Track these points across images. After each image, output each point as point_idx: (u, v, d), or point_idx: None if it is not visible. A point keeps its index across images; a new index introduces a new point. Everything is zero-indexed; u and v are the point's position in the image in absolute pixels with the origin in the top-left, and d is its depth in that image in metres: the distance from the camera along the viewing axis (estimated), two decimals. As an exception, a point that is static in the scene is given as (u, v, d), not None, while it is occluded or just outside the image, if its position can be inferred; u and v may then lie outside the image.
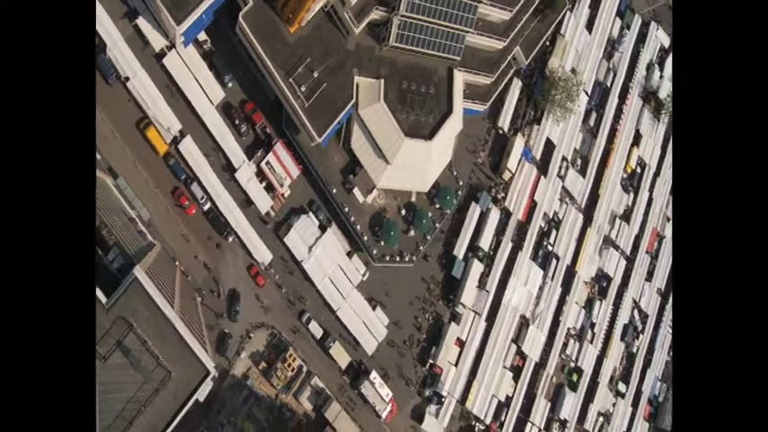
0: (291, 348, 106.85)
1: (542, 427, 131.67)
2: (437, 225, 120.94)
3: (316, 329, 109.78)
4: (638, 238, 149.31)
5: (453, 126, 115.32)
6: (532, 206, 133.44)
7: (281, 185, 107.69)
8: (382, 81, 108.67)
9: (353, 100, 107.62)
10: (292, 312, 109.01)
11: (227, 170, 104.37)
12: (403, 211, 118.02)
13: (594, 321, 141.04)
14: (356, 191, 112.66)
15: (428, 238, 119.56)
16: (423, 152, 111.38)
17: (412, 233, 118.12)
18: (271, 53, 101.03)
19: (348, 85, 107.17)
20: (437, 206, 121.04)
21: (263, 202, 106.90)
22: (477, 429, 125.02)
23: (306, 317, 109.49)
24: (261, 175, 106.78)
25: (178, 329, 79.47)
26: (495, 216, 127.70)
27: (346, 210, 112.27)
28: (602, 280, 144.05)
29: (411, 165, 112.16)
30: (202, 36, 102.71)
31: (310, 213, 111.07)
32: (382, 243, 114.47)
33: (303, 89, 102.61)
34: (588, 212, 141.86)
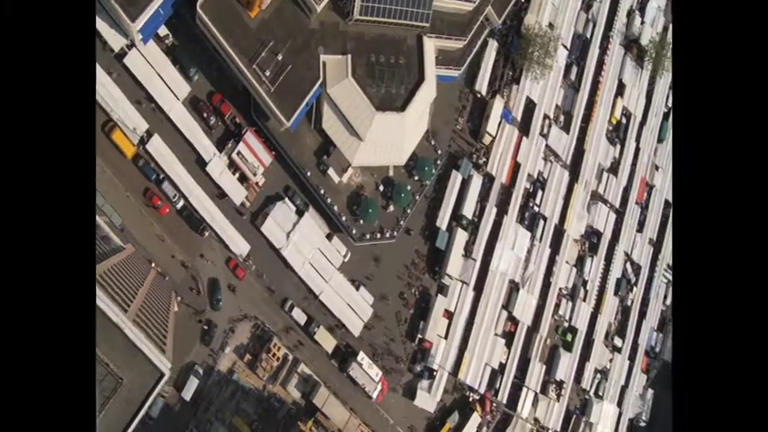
0: (276, 338, 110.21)
1: (538, 391, 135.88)
2: (417, 198, 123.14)
3: (299, 316, 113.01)
4: (626, 190, 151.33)
5: (427, 95, 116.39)
6: (516, 168, 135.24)
7: (255, 174, 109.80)
8: (349, 57, 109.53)
9: (320, 79, 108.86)
10: (274, 301, 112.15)
11: (198, 165, 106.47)
12: (381, 187, 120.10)
13: (586, 279, 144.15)
14: (331, 171, 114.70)
15: (408, 211, 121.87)
16: (396, 125, 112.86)
17: (391, 208, 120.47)
18: (232, 41, 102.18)
19: (314, 64, 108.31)
20: (416, 178, 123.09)
21: (237, 194, 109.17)
22: (471, 399, 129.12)
23: (289, 304, 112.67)
24: (233, 166, 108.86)
25: (127, 335, 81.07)
26: (477, 182, 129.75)
27: (322, 192, 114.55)
28: (592, 236, 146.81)
29: (385, 139, 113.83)
30: (164, 31, 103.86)
31: (286, 199, 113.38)
32: (361, 222, 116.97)
33: (268, 74, 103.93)
34: (574, 169, 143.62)
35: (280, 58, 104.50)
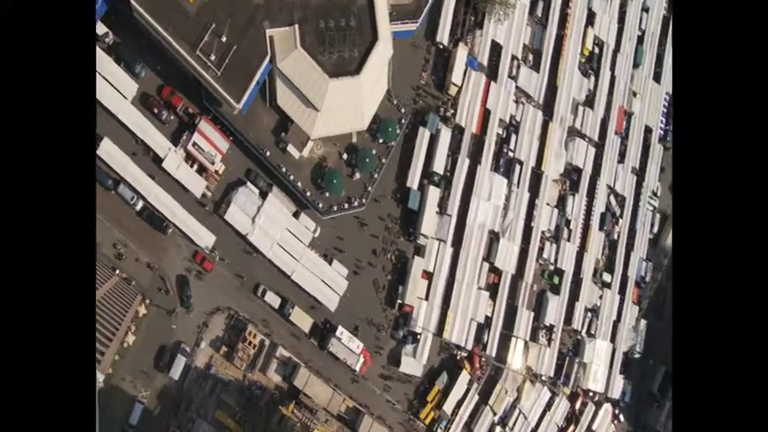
0: (251, 325, 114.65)
1: (528, 339, 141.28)
2: (384, 161, 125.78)
3: (273, 299, 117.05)
4: (604, 122, 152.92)
5: (382, 53, 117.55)
6: (486, 116, 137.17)
7: (213, 163, 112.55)
8: (297, 27, 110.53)
9: (269, 55, 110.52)
10: (246, 288, 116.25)
11: (154, 163, 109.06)
12: (345, 156, 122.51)
13: (569, 218, 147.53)
14: (291, 148, 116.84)
15: (376, 176, 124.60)
16: (353, 90, 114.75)
17: (357, 176, 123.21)
18: (172, 29, 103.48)
19: (261, 40, 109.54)
20: (380, 141, 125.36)
21: (197, 186, 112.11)
22: (459, 358, 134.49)
23: (261, 289, 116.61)
24: (190, 158, 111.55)
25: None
26: (446, 136, 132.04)
27: (284, 170, 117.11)
28: (572, 174, 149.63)
29: (343, 105, 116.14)
30: (102, 29, 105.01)
31: (248, 183, 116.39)
32: (327, 194, 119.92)
33: (213, 58, 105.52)
34: (548, 107, 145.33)
35: (224, 39, 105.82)
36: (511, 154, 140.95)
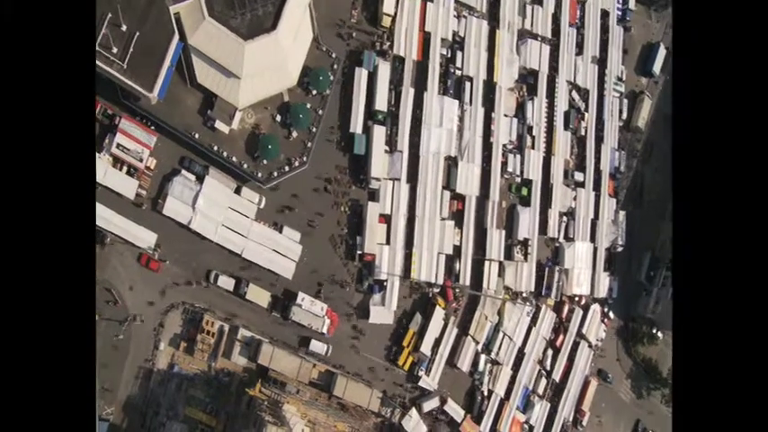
0: (206, 314, 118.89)
1: (502, 259, 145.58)
2: (320, 112, 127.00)
3: (226, 283, 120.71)
4: (556, 16, 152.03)
5: (298, 2, 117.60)
6: (426, 39, 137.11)
7: (142, 160, 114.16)
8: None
9: (177, 34, 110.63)
10: (198, 278, 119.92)
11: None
12: (278, 117, 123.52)
13: (531, 124, 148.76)
14: (219, 124, 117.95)
15: (314, 130, 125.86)
16: (272, 47, 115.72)
17: (294, 134, 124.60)
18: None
19: (165, 20, 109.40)
20: (314, 93, 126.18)
21: (129, 188, 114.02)
22: (431, 294, 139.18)
23: (213, 275, 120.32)
24: (118, 161, 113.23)
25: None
26: (385, 70, 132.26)
27: (216, 148, 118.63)
28: (527, 78, 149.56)
29: (265, 66, 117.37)
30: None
31: (183, 171, 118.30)
32: (264, 162, 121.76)
33: (115, 51, 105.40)
34: (493, 14, 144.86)
35: (124, 28, 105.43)
36: (459, 72, 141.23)
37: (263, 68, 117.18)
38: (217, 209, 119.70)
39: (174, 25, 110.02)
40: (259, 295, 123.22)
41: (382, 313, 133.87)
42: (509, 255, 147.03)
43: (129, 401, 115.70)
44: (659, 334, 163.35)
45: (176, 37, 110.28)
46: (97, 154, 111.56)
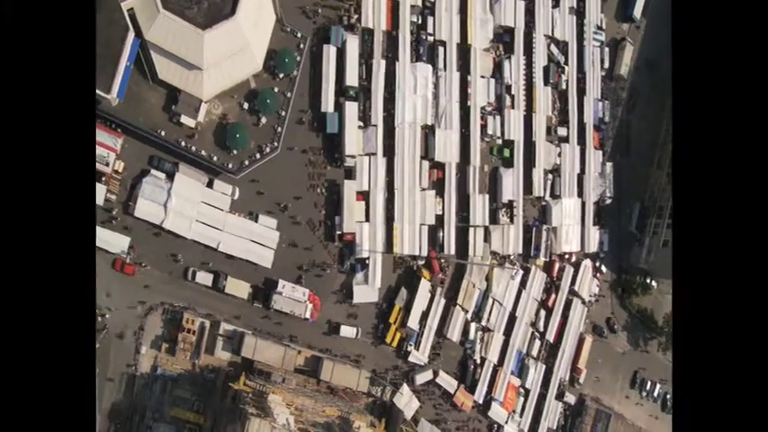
0: (186, 312, 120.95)
1: (488, 224, 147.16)
2: (289, 95, 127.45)
3: (204, 278, 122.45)
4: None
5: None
6: (395, 7, 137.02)
7: (108, 165, 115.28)
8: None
9: (132, 30, 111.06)
10: (175, 277, 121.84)
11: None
12: (245, 105, 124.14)
13: (509, 83, 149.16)
14: (185, 118, 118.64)
15: (283, 113, 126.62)
16: (232, 33, 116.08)
17: (264, 120, 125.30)
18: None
19: (118, 18, 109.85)
20: (280, 76, 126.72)
21: (97, 194, 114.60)
22: (416, 267, 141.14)
23: (191, 272, 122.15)
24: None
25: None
26: (354, 44, 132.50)
27: (184, 144, 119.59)
28: (503, 36, 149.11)
29: (227, 54, 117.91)
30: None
31: (152, 171, 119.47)
32: (234, 151, 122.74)
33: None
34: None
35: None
36: (431, 38, 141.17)
37: (226, 57, 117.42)
38: (189, 205, 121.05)
39: (129, 21, 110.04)
40: (238, 287, 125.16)
41: (366, 292, 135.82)
42: (494, 219, 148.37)
43: (114, 409, 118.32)
44: (653, 283, 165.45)
45: (131, 34, 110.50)
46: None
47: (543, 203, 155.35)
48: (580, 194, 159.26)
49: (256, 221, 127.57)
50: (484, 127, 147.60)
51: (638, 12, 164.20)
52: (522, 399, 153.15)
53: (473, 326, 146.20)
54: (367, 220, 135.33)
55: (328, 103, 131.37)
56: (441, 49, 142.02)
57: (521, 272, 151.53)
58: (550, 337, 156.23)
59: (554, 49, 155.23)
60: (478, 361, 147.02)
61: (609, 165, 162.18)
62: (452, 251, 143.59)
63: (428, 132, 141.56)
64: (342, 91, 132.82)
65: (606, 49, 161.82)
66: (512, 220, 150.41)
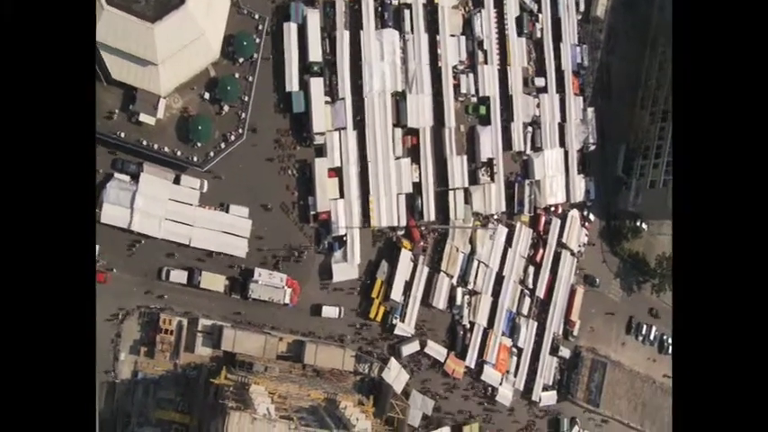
0: (163, 313, 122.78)
1: (467, 185, 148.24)
2: (250, 79, 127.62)
3: (178, 276, 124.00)
4: None
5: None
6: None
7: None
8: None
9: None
10: (149, 279, 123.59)
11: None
12: (206, 95, 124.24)
13: (481, 38, 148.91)
14: (144, 117, 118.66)
15: (246, 99, 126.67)
16: (184, 23, 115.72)
17: (226, 108, 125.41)
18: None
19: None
20: (240, 60, 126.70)
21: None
22: (396, 239, 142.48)
23: (164, 272, 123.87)
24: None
25: None
26: (314, 19, 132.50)
27: (145, 143, 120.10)
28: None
29: (181, 45, 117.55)
30: None
31: (115, 174, 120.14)
32: (198, 144, 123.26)
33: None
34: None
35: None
36: (395, 2, 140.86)
37: (180, 48, 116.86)
38: (157, 204, 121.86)
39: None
40: (214, 281, 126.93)
41: (346, 269, 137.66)
42: (474, 179, 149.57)
43: (98, 418, 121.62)
44: (643, 225, 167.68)
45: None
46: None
47: (524, 158, 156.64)
48: (562, 144, 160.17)
49: (227, 212, 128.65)
50: (457, 86, 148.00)
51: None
52: (515, 358, 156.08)
53: (459, 291, 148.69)
54: (341, 196, 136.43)
55: (293, 82, 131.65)
56: (407, 11, 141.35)
57: (504, 230, 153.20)
58: (540, 293, 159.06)
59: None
60: (468, 326, 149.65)
61: (590, 110, 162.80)
62: (432, 217, 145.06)
63: (399, 99, 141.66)
64: (306, 68, 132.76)
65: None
66: (492, 179, 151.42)
